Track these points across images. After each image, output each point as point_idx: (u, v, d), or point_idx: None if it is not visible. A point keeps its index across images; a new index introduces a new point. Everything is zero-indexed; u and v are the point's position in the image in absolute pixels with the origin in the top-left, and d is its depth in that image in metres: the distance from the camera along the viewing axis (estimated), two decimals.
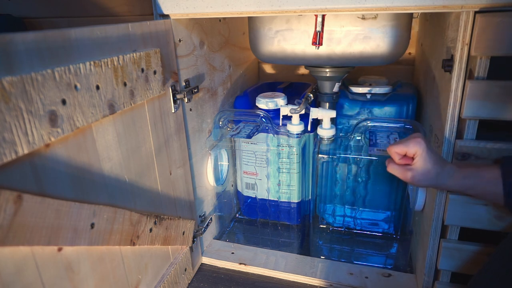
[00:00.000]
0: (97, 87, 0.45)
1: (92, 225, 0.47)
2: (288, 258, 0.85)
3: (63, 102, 0.40)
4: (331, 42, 0.72)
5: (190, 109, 0.76)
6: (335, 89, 0.83)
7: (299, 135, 0.83)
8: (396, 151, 0.58)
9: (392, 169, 0.59)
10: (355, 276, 0.79)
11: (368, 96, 0.86)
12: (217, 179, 0.91)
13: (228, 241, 0.93)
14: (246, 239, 0.98)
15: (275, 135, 0.87)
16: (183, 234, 0.73)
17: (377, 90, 0.85)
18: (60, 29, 0.41)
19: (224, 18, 0.90)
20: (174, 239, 0.69)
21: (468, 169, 0.55)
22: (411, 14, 0.72)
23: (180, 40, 0.69)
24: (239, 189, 1.01)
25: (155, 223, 0.61)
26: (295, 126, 0.82)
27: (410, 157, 0.57)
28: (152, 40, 0.58)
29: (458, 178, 0.55)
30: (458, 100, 0.57)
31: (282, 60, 0.79)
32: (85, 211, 0.45)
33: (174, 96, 0.66)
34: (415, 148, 0.55)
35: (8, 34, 0.35)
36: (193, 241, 0.78)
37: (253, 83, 1.17)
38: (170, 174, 0.68)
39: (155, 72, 0.57)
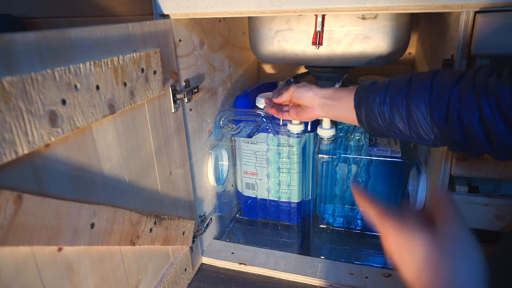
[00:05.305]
0: (97, 87, 0.45)
1: (92, 225, 0.47)
2: (288, 258, 0.85)
3: (63, 102, 0.40)
4: (331, 42, 0.72)
5: (190, 109, 0.76)
6: None
7: (299, 135, 0.83)
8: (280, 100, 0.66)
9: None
10: (355, 276, 0.79)
11: None
12: (218, 179, 0.91)
13: (228, 241, 0.93)
14: (246, 239, 0.98)
15: (275, 135, 0.87)
16: (183, 234, 0.73)
17: None
18: (60, 29, 0.41)
19: (224, 18, 0.90)
20: (174, 239, 0.69)
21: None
22: (411, 14, 0.72)
23: (180, 40, 0.69)
24: (239, 189, 1.01)
25: (155, 223, 0.62)
26: (295, 126, 0.82)
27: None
28: (152, 40, 0.58)
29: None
30: None
31: (282, 60, 0.79)
32: (85, 211, 0.45)
33: (174, 96, 0.66)
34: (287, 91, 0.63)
35: (8, 34, 0.35)
36: (193, 241, 0.78)
37: (253, 83, 1.17)
38: (170, 174, 0.68)
39: (155, 72, 0.57)
